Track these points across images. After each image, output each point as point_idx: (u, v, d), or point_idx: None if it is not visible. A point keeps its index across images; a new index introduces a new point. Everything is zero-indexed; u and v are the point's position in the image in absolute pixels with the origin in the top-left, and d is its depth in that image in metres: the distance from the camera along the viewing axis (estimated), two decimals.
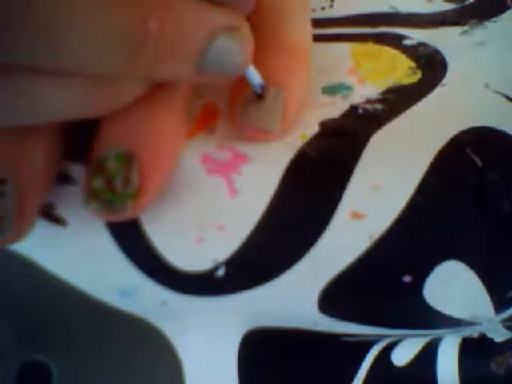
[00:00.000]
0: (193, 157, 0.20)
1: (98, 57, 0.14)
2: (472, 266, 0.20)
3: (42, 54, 0.14)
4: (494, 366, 0.25)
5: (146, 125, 0.18)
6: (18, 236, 0.18)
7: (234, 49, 0.16)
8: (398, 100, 0.23)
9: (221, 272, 0.20)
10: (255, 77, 0.19)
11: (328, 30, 0.26)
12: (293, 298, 0.21)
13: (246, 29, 0.17)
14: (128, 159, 0.17)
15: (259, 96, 0.20)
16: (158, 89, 0.18)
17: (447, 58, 0.25)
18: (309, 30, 0.22)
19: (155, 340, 0.23)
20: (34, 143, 0.18)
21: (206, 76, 0.17)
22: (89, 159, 0.18)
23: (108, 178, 0.17)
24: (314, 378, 0.25)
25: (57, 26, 0.13)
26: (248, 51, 0.17)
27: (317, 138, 0.21)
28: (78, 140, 0.19)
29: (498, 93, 0.23)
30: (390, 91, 0.23)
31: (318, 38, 0.23)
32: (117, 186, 0.17)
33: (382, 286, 0.21)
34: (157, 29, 0.14)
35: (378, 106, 0.23)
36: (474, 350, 0.25)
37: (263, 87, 0.20)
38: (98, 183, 0.17)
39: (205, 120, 0.21)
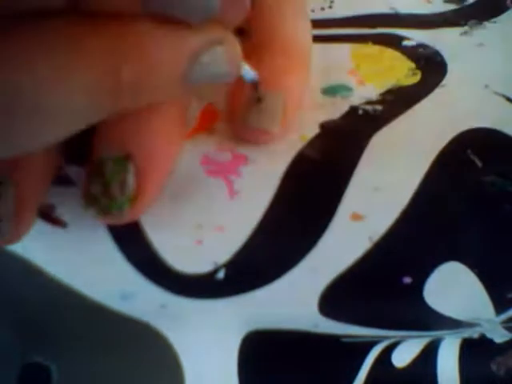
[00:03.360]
0: (192, 158, 0.20)
1: (77, 105, 0.14)
2: (472, 267, 0.20)
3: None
4: (494, 367, 0.25)
5: (142, 128, 0.18)
6: (16, 237, 0.18)
7: (218, 62, 0.16)
8: (397, 101, 0.23)
9: (221, 274, 0.20)
10: (249, 73, 0.19)
11: (328, 30, 0.26)
12: (293, 300, 0.21)
13: (229, 39, 0.16)
14: (124, 162, 0.17)
15: (259, 97, 0.20)
16: None
17: (447, 59, 0.25)
18: (308, 31, 0.22)
19: (155, 342, 0.23)
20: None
21: (198, 90, 0.17)
22: (88, 161, 0.18)
23: (105, 182, 0.17)
24: (315, 379, 0.25)
25: (36, 90, 0.13)
26: (234, 59, 0.17)
27: (317, 139, 0.21)
28: (78, 142, 0.19)
29: (498, 94, 0.23)
30: (389, 92, 0.23)
31: (317, 39, 0.23)
32: (114, 190, 0.17)
33: (382, 287, 0.21)
34: (130, 75, 0.14)
35: (378, 107, 0.23)
36: (474, 351, 0.25)
37: (258, 83, 0.19)
38: (96, 188, 0.17)
39: (204, 121, 0.21)
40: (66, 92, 0.14)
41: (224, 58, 0.16)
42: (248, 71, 0.19)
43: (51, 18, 0.14)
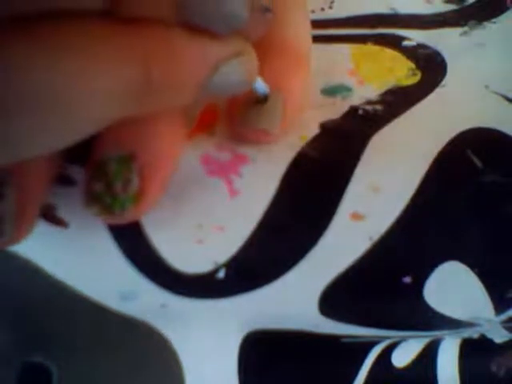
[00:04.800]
0: (193, 158, 0.20)
1: (107, 107, 0.15)
2: (472, 266, 0.20)
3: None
4: (494, 367, 0.25)
5: (145, 127, 0.18)
6: (19, 237, 0.18)
7: (236, 74, 0.16)
8: (397, 101, 0.23)
9: (221, 274, 0.20)
10: (261, 87, 0.19)
11: (327, 31, 0.26)
12: (293, 300, 0.21)
13: (248, 51, 0.17)
14: (128, 162, 0.17)
15: (259, 98, 0.20)
16: None
17: (447, 59, 0.25)
18: (308, 31, 0.22)
19: (155, 342, 0.23)
20: None
21: (210, 97, 0.17)
22: (89, 161, 0.18)
23: (108, 181, 0.17)
24: (315, 379, 0.25)
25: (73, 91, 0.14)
26: (252, 71, 0.17)
27: (317, 139, 0.21)
28: (80, 142, 0.19)
29: (498, 94, 0.23)
30: (389, 92, 0.23)
31: (317, 39, 0.23)
32: (117, 189, 0.17)
33: (382, 287, 0.21)
34: (159, 78, 0.15)
35: (378, 107, 0.23)
36: (475, 351, 0.25)
37: (268, 94, 0.20)
38: (99, 186, 0.17)
39: (205, 121, 0.21)
40: (94, 92, 0.14)
41: (242, 69, 0.16)
42: (260, 84, 0.19)
43: (85, 20, 0.14)
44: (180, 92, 0.16)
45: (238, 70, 0.16)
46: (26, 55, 0.13)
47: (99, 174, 0.18)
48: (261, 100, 0.20)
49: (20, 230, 0.18)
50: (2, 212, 0.17)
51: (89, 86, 0.14)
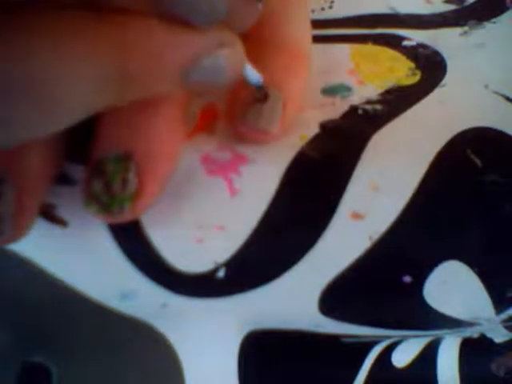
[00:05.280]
0: (193, 157, 0.20)
1: (86, 95, 0.15)
2: (472, 265, 0.20)
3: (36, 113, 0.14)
4: (494, 367, 0.25)
5: (143, 126, 0.18)
6: (17, 236, 0.18)
7: (220, 66, 0.16)
8: (397, 101, 0.23)
9: (221, 273, 0.20)
10: (253, 76, 0.19)
11: (328, 30, 0.26)
12: (293, 299, 0.21)
13: (233, 42, 0.17)
14: (126, 161, 0.17)
15: (258, 97, 0.20)
16: None
17: (447, 59, 0.25)
18: (308, 31, 0.22)
19: (155, 341, 0.23)
20: (32, 143, 0.18)
21: (197, 88, 0.17)
22: (88, 160, 0.18)
23: (106, 180, 0.17)
24: (315, 379, 0.25)
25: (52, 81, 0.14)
26: (237, 62, 0.17)
27: (317, 138, 0.21)
28: (78, 140, 0.19)
29: (498, 93, 0.23)
30: (389, 92, 0.23)
31: (317, 39, 0.23)
32: (115, 188, 0.17)
33: (382, 286, 0.21)
34: (135, 67, 0.15)
35: (378, 107, 0.23)
36: (474, 351, 0.25)
37: (262, 85, 0.20)
38: (97, 186, 0.17)
39: (205, 120, 0.21)
40: (72, 80, 0.14)
41: (227, 62, 0.16)
42: (252, 73, 0.19)
43: (64, 9, 0.14)
44: (160, 82, 0.16)
45: (222, 62, 0.16)
46: (3, 42, 0.13)
47: (97, 173, 0.18)
48: (261, 99, 0.20)
49: (18, 228, 0.18)
50: (1, 210, 0.17)
51: (65, 74, 0.14)
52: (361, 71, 0.24)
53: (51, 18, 0.14)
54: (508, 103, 0.23)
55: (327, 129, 0.22)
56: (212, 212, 0.20)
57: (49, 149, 0.18)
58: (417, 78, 0.24)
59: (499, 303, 0.21)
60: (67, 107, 0.15)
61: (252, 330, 0.23)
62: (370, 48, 0.25)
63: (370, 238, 0.20)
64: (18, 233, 0.18)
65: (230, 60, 0.16)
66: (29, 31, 0.13)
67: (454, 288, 0.21)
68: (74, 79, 0.14)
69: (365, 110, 0.22)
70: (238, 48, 0.17)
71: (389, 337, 0.24)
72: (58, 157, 0.19)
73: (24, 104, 0.14)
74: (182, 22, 0.15)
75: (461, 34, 0.26)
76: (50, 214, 0.20)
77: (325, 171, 0.21)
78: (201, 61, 0.16)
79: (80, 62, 0.14)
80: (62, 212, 0.20)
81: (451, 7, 0.28)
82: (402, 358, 0.25)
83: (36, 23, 0.14)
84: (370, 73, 0.24)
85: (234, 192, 0.20)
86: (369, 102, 0.23)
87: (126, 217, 0.18)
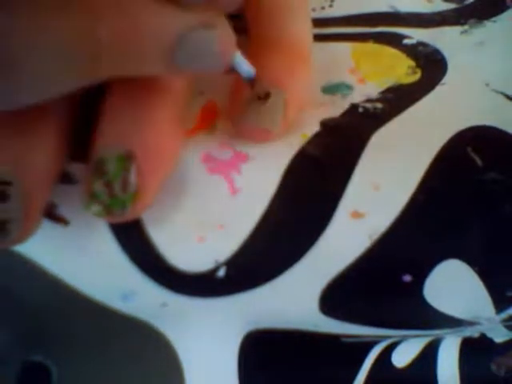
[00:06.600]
0: (193, 156, 0.20)
1: (57, 69, 0.14)
2: (472, 265, 0.20)
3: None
4: (494, 367, 0.25)
5: (144, 126, 0.18)
6: (24, 237, 0.18)
7: (207, 45, 0.16)
8: (397, 99, 0.23)
9: (221, 272, 0.20)
10: (245, 67, 0.19)
11: (328, 29, 0.26)
12: (293, 299, 0.21)
13: (221, 23, 0.16)
14: (126, 161, 0.17)
15: (259, 96, 0.20)
16: (153, 89, 0.18)
17: (447, 58, 0.25)
18: (309, 30, 0.22)
19: (155, 341, 0.23)
20: (39, 144, 0.18)
21: (184, 72, 0.17)
22: (89, 159, 0.18)
23: (107, 180, 0.17)
24: (315, 379, 0.25)
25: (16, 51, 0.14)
26: (225, 43, 0.17)
27: (317, 137, 0.21)
28: (79, 139, 0.19)
29: (498, 92, 0.24)
30: (389, 90, 0.23)
31: (318, 38, 0.23)
32: (116, 188, 0.17)
33: (382, 285, 0.21)
34: (107, 36, 0.14)
35: (378, 106, 0.23)
36: (475, 351, 0.25)
37: (254, 79, 0.19)
38: (98, 186, 0.17)
39: (205, 119, 0.21)
40: (40, 54, 0.14)
41: (215, 42, 0.16)
42: (244, 64, 0.19)
43: None
44: (142, 59, 0.16)
45: (209, 41, 0.16)
46: None
47: (98, 173, 0.17)
48: (262, 98, 0.20)
49: (26, 229, 0.18)
50: (8, 212, 0.17)
51: (37, 38, 0.14)
52: (361, 70, 0.24)
53: None
54: (508, 102, 0.23)
55: (328, 127, 0.22)
56: (213, 210, 0.20)
57: (55, 149, 0.18)
58: (417, 76, 0.24)
59: (499, 302, 0.21)
60: (40, 82, 0.14)
61: (252, 329, 0.23)
62: (370, 46, 0.25)
63: (370, 237, 0.20)
64: (25, 234, 0.18)
65: (219, 42, 0.16)
66: None
67: (454, 287, 0.21)
68: (40, 52, 0.14)
69: (365, 109, 0.22)
70: (228, 31, 0.17)
71: (389, 337, 0.24)
72: (62, 156, 0.19)
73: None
74: None
75: (461, 33, 0.26)
76: (51, 213, 0.20)
77: (325, 169, 0.21)
78: (186, 40, 0.15)
79: (44, 32, 0.14)
80: (63, 211, 0.20)
81: (451, 6, 0.28)
82: (402, 358, 0.25)
83: None
84: (371, 71, 0.24)
85: (234, 191, 0.20)
86: (369, 100, 0.23)
87: (126, 217, 0.18)
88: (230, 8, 0.17)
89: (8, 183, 0.17)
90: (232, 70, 0.18)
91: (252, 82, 0.19)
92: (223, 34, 0.16)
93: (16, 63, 0.14)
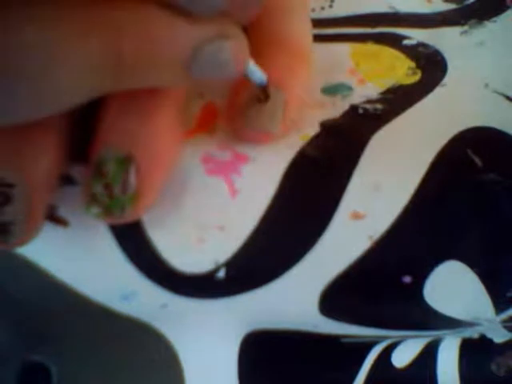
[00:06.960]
0: (193, 157, 0.20)
1: (80, 83, 0.15)
2: (472, 266, 0.20)
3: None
4: (494, 367, 0.25)
5: (143, 127, 0.18)
6: (26, 239, 0.18)
7: (223, 56, 0.16)
8: (397, 100, 0.23)
9: (221, 274, 0.20)
10: (257, 75, 0.19)
11: (328, 30, 0.26)
12: (293, 299, 0.21)
13: (236, 34, 0.16)
14: (126, 163, 0.17)
15: (259, 97, 0.20)
16: (153, 91, 0.18)
17: (447, 58, 0.25)
18: (309, 30, 0.22)
19: (155, 342, 0.23)
20: (41, 146, 0.18)
21: (199, 81, 0.17)
22: (89, 161, 0.18)
23: (107, 182, 0.17)
24: (314, 379, 0.25)
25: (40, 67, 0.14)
26: (240, 54, 0.17)
27: (317, 138, 0.21)
28: (79, 141, 0.19)
29: (498, 93, 0.23)
30: (389, 91, 0.23)
31: (317, 38, 0.23)
32: (115, 190, 0.17)
33: (382, 286, 0.21)
34: (130, 51, 0.15)
35: (378, 106, 0.23)
36: (474, 351, 0.25)
37: (267, 84, 0.19)
38: (98, 188, 0.17)
39: (205, 120, 0.21)
40: (66, 67, 0.14)
41: (229, 53, 0.16)
42: (256, 71, 0.19)
43: None
44: (160, 71, 0.16)
45: (225, 53, 0.16)
46: None
47: (97, 175, 0.18)
48: (262, 99, 0.20)
49: (28, 231, 0.18)
50: (12, 214, 0.17)
51: (57, 55, 0.14)
52: (361, 70, 0.24)
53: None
54: (508, 103, 0.23)
55: (327, 128, 0.22)
56: (212, 212, 0.20)
57: (56, 151, 0.18)
58: (417, 77, 0.24)
59: (499, 303, 0.21)
60: (61, 89, 0.14)
61: (252, 330, 0.23)
62: (370, 47, 0.25)
63: (370, 237, 0.20)
64: (28, 235, 0.18)
65: (233, 52, 0.16)
66: (16, 15, 0.13)
67: (454, 288, 0.21)
68: (64, 61, 0.14)
69: (365, 110, 0.22)
70: (242, 41, 0.17)
71: (389, 337, 0.24)
72: (63, 158, 0.19)
73: (19, 86, 0.14)
74: (182, 10, 0.15)
75: (461, 33, 0.26)
76: (51, 214, 0.20)
77: (325, 170, 0.21)
78: (202, 52, 0.16)
79: (73, 45, 0.14)
80: (63, 212, 0.20)
81: (452, 6, 0.28)
82: (402, 358, 0.25)
83: (22, 5, 0.13)
84: (371, 72, 0.24)
85: (234, 192, 0.20)
86: (369, 101, 0.23)
87: (126, 218, 0.18)
88: (245, 20, 0.17)
89: (11, 185, 0.17)
90: (245, 77, 0.19)
91: (264, 88, 0.19)
92: (237, 44, 0.16)
93: (42, 77, 0.14)
